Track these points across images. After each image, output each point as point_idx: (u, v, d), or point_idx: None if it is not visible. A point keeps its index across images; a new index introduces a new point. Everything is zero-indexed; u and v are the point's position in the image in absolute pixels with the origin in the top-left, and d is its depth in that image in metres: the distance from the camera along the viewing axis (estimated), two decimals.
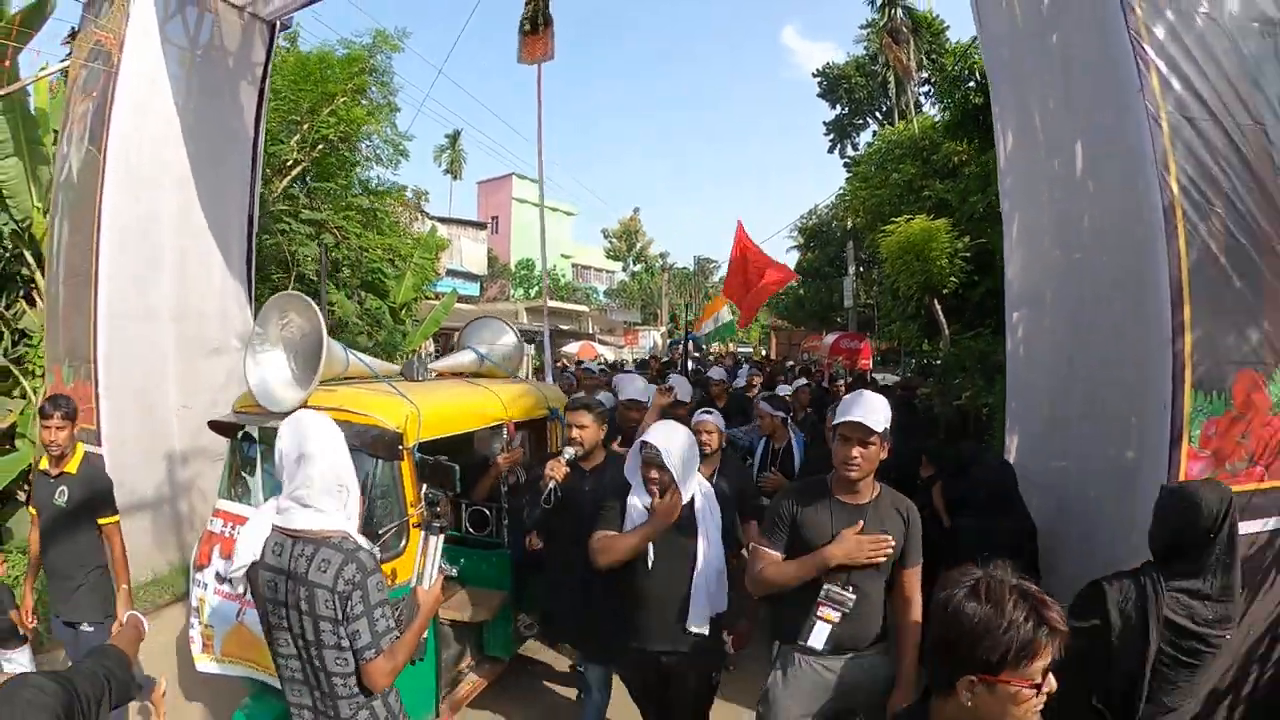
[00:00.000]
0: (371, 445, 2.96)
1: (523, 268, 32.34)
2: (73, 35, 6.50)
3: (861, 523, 2.36)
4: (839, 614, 2.37)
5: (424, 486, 3.13)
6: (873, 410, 2.36)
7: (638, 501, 2.69)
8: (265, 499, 3.07)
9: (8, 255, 7.92)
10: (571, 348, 21.09)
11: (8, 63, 6.26)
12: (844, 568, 2.34)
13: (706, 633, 2.65)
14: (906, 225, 9.72)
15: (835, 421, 2.44)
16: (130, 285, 5.12)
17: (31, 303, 7.74)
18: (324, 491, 1.99)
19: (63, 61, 6.52)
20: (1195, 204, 2.56)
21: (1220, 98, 2.78)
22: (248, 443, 3.40)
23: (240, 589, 2.51)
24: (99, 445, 4.87)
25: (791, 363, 17.47)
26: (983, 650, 1.20)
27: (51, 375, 5.64)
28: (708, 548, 2.66)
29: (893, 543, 2.35)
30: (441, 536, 2.44)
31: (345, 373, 3.43)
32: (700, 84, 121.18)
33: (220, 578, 3.09)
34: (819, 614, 2.39)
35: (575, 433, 3.36)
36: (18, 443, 6.57)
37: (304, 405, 2.97)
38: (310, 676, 2.02)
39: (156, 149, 5.44)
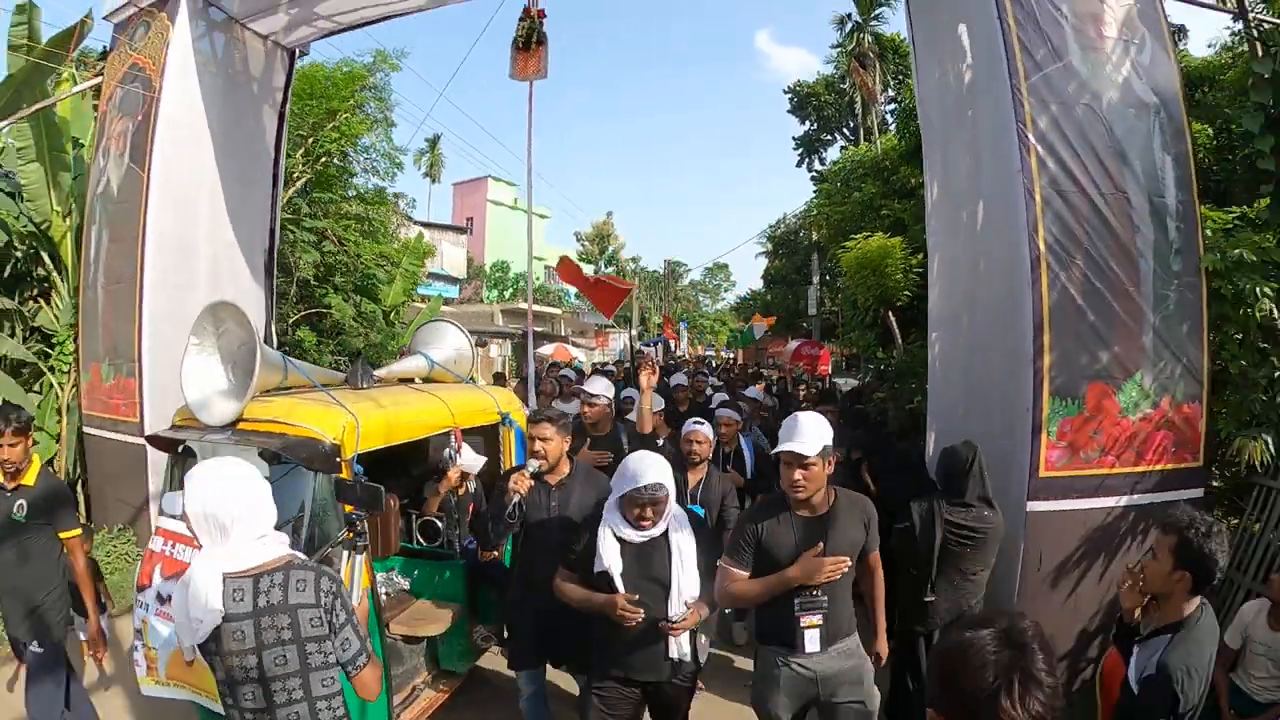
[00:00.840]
0: (308, 459, 2.79)
1: (497, 269, 32.83)
2: (103, 55, 7.05)
3: (821, 544, 2.54)
4: (820, 616, 2.60)
5: (347, 508, 2.85)
6: (805, 436, 2.54)
7: (610, 534, 2.69)
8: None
9: (24, 254, 8.33)
10: (546, 349, 21.67)
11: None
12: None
13: (686, 657, 2.68)
14: (865, 242, 10.56)
15: (775, 450, 2.64)
16: (170, 291, 5.68)
17: (47, 300, 8.19)
18: (268, 522, 2.01)
19: (94, 79, 7.05)
20: (1059, 257, 3.39)
21: (1089, 173, 3.61)
22: (189, 458, 3.22)
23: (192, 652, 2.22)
24: (141, 437, 5.44)
25: (753, 368, 18.27)
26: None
27: (88, 373, 6.18)
28: (681, 572, 2.68)
29: (847, 565, 2.55)
30: (364, 555, 2.44)
31: (284, 382, 3.31)
32: (674, 88, 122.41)
33: (161, 598, 2.90)
34: (803, 624, 2.60)
35: (539, 445, 3.25)
36: (35, 435, 7.06)
37: (240, 417, 2.96)
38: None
39: (192, 168, 6.02)
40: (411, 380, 4.27)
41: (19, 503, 3.19)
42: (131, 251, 5.70)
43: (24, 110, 6.47)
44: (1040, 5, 3.70)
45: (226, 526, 1.93)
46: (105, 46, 7.02)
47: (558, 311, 29.91)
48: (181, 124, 5.92)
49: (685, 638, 2.66)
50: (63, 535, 3.30)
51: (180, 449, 3.23)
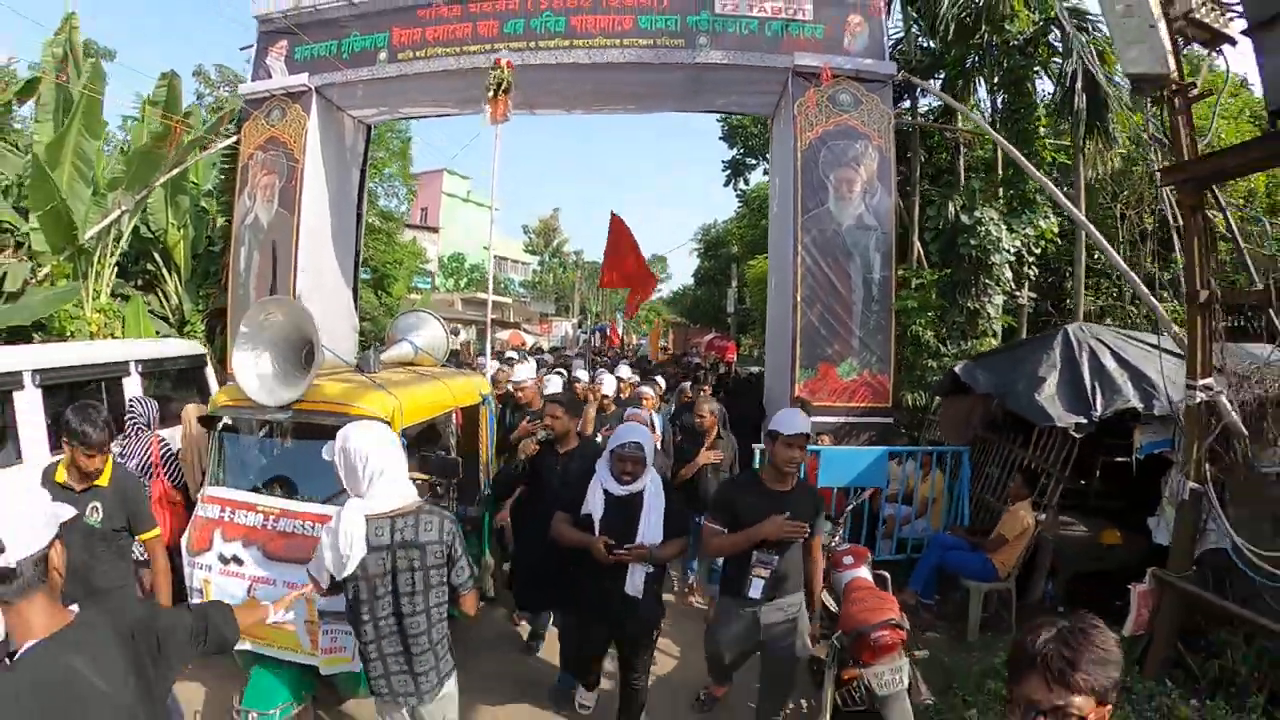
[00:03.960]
0: None
1: (454, 260, 35.69)
2: (237, 122, 10.09)
3: (789, 512, 3.09)
4: (768, 570, 3.13)
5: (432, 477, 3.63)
6: (806, 422, 3.21)
7: (599, 488, 3.25)
8: (258, 483, 3.67)
9: (135, 252, 11.05)
10: (503, 334, 24.93)
11: (172, 145, 9.74)
12: (768, 540, 3.07)
13: (641, 596, 3.17)
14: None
15: (787, 433, 3.16)
16: (309, 294, 8.98)
17: (151, 290, 11.10)
18: (401, 474, 2.50)
19: (228, 139, 10.12)
20: (808, 300, 7.27)
21: (829, 262, 7.47)
22: (231, 434, 3.73)
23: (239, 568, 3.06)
24: None
25: (684, 356, 21.81)
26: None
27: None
28: (647, 529, 3.17)
29: (806, 530, 3.10)
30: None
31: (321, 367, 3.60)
32: None
33: (224, 559, 3.28)
34: (754, 573, 3.13)
35: (549, 421, 3.98)
36: None
37: (300, 400, 3.39)
38: (405, 626, 2.46)
39: (319, 211, 9.33)
40: (408, 365, 4.85)
41: (92, 504, 3.01)
42: (283, 267, 8.95)
43: (166, 169, 9.56)
44: (814, 176, 7.53)
45: (372, 477, 2.41)
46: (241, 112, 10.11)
47: (508, 300, 33.04)
48: (313, 182, 9.21)
49: (638, 579, 3.18)
50: (142, 538, 3.17)
51: (220, 426, 3.65)
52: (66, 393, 4.54)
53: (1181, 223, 4.24)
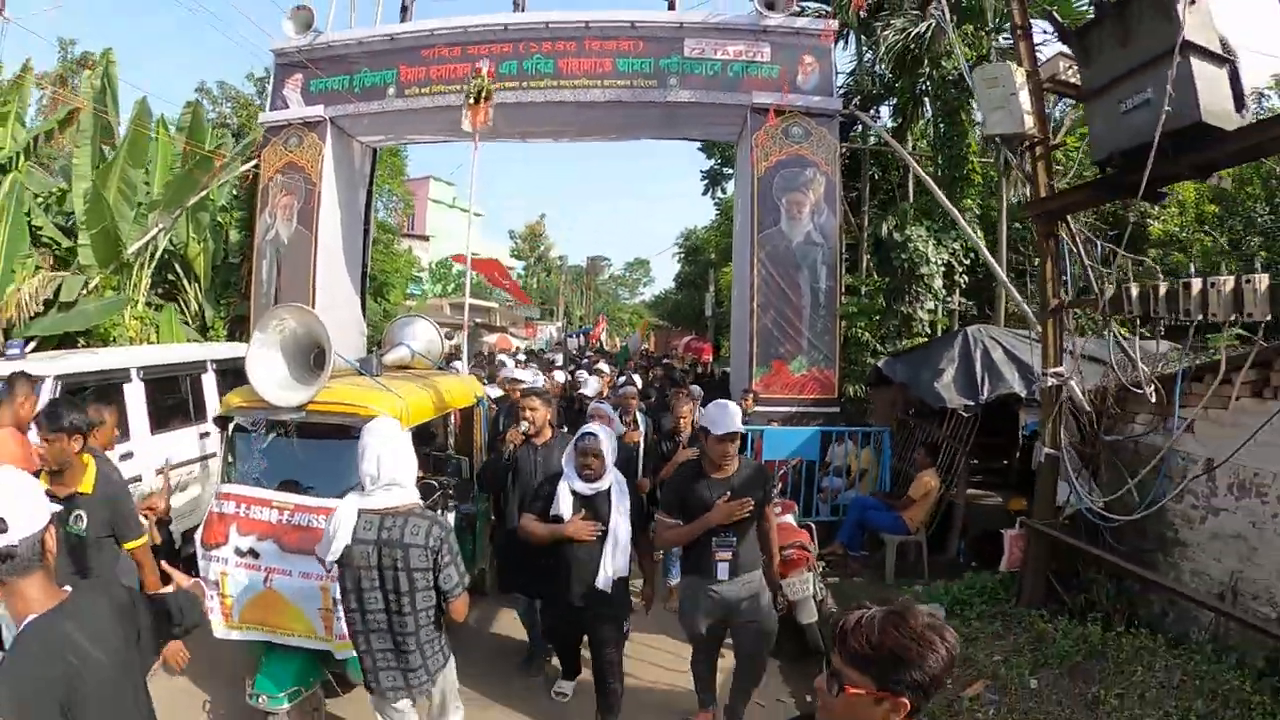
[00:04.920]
0: None
1: (441, 266, 36.64)
2: (253, 147, 11.20)
3: (729, 493, 3.32)
4: (730, 551, 3.38)
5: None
6: (736, 419, 3.40)
7: (566, 486, 3.44)
8: (268, 480, 3.80)
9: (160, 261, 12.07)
10: (491, 338, 25.98)
11: (212, 177, 10.85)
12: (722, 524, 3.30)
13: (610, 590, 3.38)
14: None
15: (717, 431, 3.39)
16: (326, 304, 10.07)
17: (171, 299, 12.11)
18: (405, 475, 2.65)
19: (249, 164, 11.22)
20: (763, 307, 8.51)
21: (781, 273, 8.70)
22: (241, 433, 3.86)
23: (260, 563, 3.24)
24: None
25: (660, 355, 22.95)
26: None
27: None
28: (617, 524, 3.40)
29: (751, 505, 3.30)
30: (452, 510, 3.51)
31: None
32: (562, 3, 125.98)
33: (240, 552, 3.41)
34: (717, 558, 3.37)
35: (527, 413, 4.09)
36: None
37: (311, 401, 3.52)
38: (393, 623, 2.59)
39: (332, 229, 10.42)
40: (406, 368, 4.94)
41: (76, 513, 2.95)
42: (302, 279, 10.04)
43: (191, 194, 10.68)
44: (769, 199, 8.76)
45: (376, 475, 2.59)
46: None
47: (495, 305, 34.03)
48: (328, 202, 10.33)
49: (609, 574, 3.37)
50: (127, 546, 3.08)
51: (231, 426, 3.80)
52: (160, 385, 5.57)
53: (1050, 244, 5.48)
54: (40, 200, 10.96)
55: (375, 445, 2.63)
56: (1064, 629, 4.41)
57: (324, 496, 3.53)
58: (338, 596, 2.95)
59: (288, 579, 3.35)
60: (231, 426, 3.85)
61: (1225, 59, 3.89)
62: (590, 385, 6.76)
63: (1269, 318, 3.74)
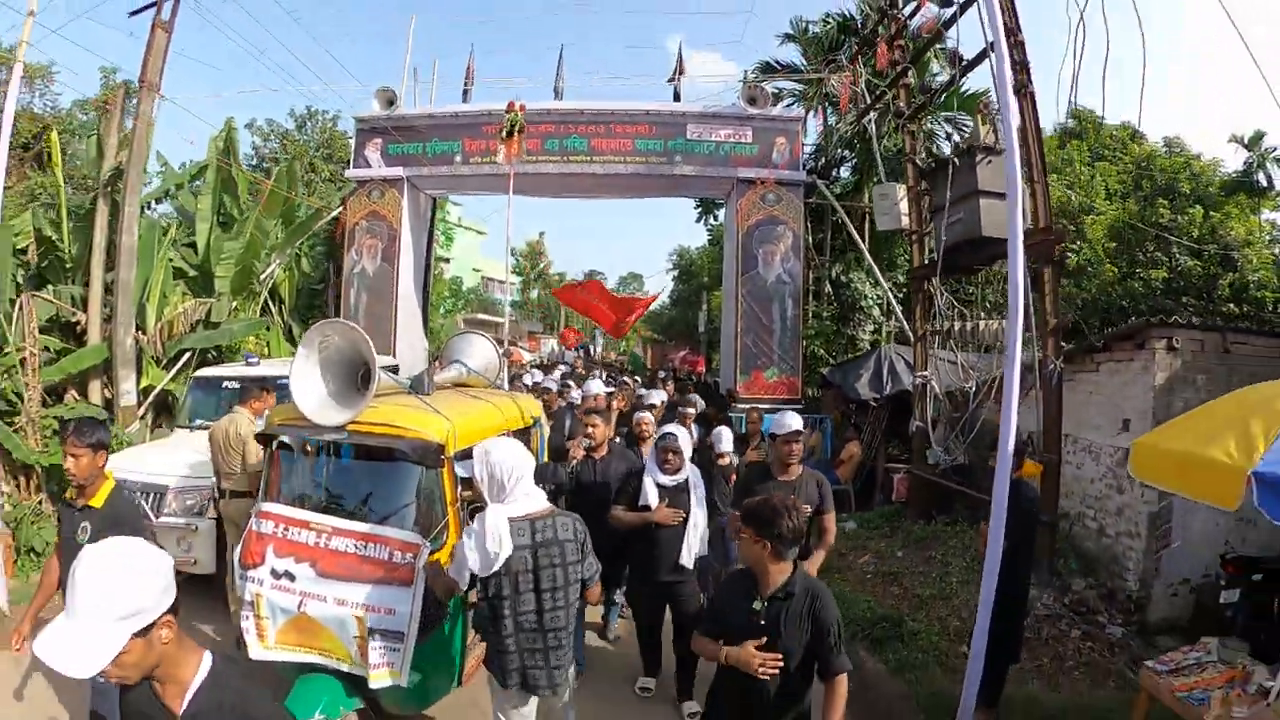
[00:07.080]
0: (420, 456, 3.37)
1: (453, 283, 39.33)
2: (341, 197, 14.05)
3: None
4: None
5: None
6: (796, 421, 3.83)
7: (650, 480, 3.84)
8: (311, 498, 3.65)
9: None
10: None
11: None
12: None
13: (692, 567, 3.81)
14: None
15: (782, 433, 3.82)
16: (404, 328, 12.88)
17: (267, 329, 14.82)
18: (533, 482, 2.86)
19: (335, 210, 14.02)
20: (744, 330, 11.43)
21: (757, 305, 11.65)
22: (286, 451, 3.84)
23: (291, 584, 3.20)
24: None
25: (663, 373, 25.70)
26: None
27: None
28: (697, 509, 3.81)
29: (808, 509, 3.29)
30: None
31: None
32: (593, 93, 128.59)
33: (276, 574, 3.33)
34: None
35: (589, 430, 4.55)
36: None
37: (355, 420, 3.43)
38: (545, 620, 2.72)
39: (408, 265, 13.27)
40: (461, 386, 4.87)
41: (84, 524, 3.06)
42: (386, 306, 12.84)
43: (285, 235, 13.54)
44: (750, 250, 11.71)
45: (513, 485, 2.74)
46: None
47: (502, 320, 36.43)
48: (406, 245, 13.20)
49: (693, 551, 3.77)
50: None
51: (275, 444, 3.80)
52: None
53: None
54: (172, 238, 13.75)
55: (505, 460, 2.78)
56: (921, 527, 7.37)
57: (366, 520, 3.49)
58: (373, 626, 3.15)
59: (322, 605, 3.27)
60: (275, 444, 3.82)
61: (1003, 194, 6.90)
62: (655, 396, 7.51)
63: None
